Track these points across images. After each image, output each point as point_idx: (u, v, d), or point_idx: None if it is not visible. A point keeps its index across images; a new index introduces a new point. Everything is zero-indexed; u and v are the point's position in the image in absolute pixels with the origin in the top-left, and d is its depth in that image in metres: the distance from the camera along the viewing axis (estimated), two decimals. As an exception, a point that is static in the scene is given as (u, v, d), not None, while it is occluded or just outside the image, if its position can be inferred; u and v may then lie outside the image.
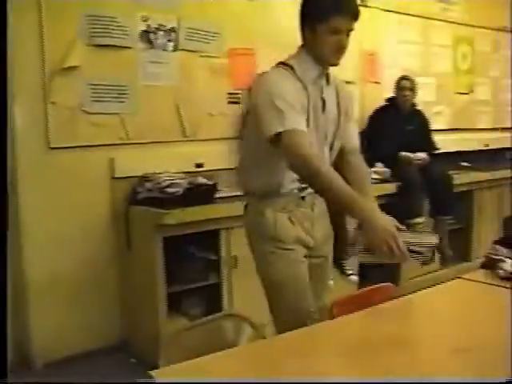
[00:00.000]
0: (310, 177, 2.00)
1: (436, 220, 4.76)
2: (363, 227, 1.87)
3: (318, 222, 2.28)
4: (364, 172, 2.36)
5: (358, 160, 2.35)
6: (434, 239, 1.79)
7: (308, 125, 2.09)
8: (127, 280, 3.73)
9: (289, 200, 2.20)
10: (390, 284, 2.10)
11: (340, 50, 2.13)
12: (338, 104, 2.27)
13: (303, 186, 2.17)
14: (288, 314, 2.21)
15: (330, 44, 2.10)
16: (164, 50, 3.90)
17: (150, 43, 3.83)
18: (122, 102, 3.74)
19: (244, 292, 3.59)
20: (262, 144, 2.09)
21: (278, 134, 2.00)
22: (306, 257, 2.26)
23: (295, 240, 2.22)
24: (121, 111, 3.74)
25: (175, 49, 3.95)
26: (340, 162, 2.31)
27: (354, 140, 2.38)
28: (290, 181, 2.17)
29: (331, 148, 2.26)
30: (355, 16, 2.10)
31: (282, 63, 2.20)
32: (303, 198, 2.22)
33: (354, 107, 2.43)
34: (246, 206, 2.36)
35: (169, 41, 3.91)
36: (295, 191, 2.20)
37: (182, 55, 3.99)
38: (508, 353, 1.53)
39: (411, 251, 1.75)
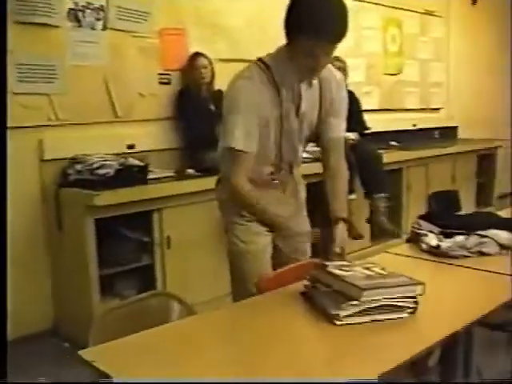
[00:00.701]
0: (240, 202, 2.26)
1: (372, 199, 4.87)
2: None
3: (287, 201, 2.40)
4: (340, 185, 2.37)
5: (336, 162, 2.37)
6: (418, 289, 1.70)
7: (273, 131, 2.17)
8: (59, 263, 3.68)
9: (259, 184, 2.27)
10: (316, 260, 2.15)
11: (313, 71, 2.07)
12: (321, 101, 2.24)
13: (274, 173, 2.31)
14: (243, 283, 2.29)
15: (304, 64, 2.03)
16: (93, 28, 3.82)
17: (78, 22, 3.74)
18: (50, 82, 3.65)
19: (177, 272, 3.61)
20: None
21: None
22: (270, 231, 2.37)
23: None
24: (49, 91, 3.66)
25: (104, 28, 3.88)
26: (322, 158, 2.39)
27: (334, 134, 2.33)
28: (262, 170, 2.27)
29: (307, 142, 2.36)
30: (336, 40, 1.96)
31: (262, 61, 2.14)
32: (275, 182, 2.34)
33: (343, 98, 2.32)
34: (218, 181, 2.45)
35: (97, 19, 3.84)
36: (265, 177, 2.30)
37: (111, 34, 3.93)
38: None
39: (392, 306, 1.66)
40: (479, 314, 1.71)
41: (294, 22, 1.98)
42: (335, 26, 1.93)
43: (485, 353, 3.01)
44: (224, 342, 1.63)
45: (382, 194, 4.91)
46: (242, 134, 2.08)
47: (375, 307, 1.64)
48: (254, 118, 2.09)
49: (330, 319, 1.64)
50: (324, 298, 1.73)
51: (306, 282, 1.86)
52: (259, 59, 2.16)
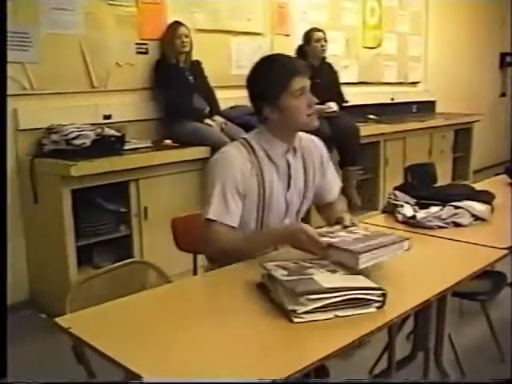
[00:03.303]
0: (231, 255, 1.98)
1: (344, 171, 4.92)
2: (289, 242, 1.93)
3: None
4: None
5: (335, 212, 2.24)
6: (405, 245, 1.70)
7: (254, 206, 2.08)
8: (35, 234, 3.65)
9: None
10: None
11: (310, 110, 2.06)
12: (305, 169, 2.21)
13: None
14: None
15: (300, 109, 2.04)
16: (68, -4, 3.75)
17: (52, -12, 3.66)
18: (24, 50, 3.58)
19: (155, 243, 3.61)
20: None
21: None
22: None
23: None
24: (23, 60, 3.58)
25: (79, -5, 3.81)
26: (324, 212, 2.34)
27: (331, 194, 2.33)
28: None
29: (297, 215, 2.24)
30: (308, 72, 2.07)
31: (245, 139, 2.13)
32: None
33: (330, 168, 2.33)
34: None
35: (73, -14, 3.76)
36: None
37: (87, 2, 3.85)
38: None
39: (358, 299, 1.52)
40: (452, 282, 1.75)
41: (268, 84, 2.03)
42: (300, 61, 2.15)
43: (455, 321, 3.09)
44: (199, 309, 1.65)
45: (355, 167, 4.97)
46: (219, 202, 2.00)
47: (338, 302, 1.50)
48: (234, 187, 2.01)
49: (287, 315, 1.48)
50: (281, 290, 1.56)
51: (263, 271, 1.71)
52: (242, 138, 2.16)
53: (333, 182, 2.34)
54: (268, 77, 2.04)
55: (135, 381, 1.24)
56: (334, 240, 1.77)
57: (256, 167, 2.06)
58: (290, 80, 2.00)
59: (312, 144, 2.28)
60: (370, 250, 1.67)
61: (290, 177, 2.14)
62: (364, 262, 1.65)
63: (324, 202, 2.33)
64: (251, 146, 2.09)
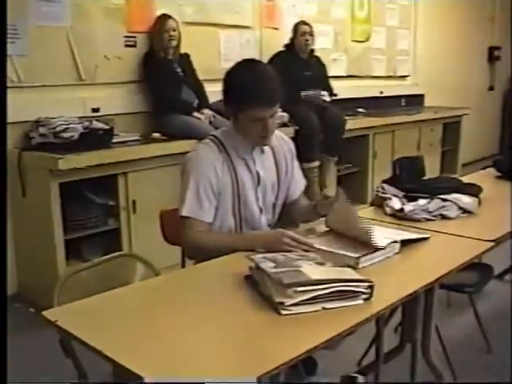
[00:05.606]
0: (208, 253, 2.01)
1: (323, 160, 4.99)
2: (263, 248, 1.90)
3: None
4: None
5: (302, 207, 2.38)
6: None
7: (230, 201, 2.15)
8: (23, 228, 3.64)
9: None
10: None
11: (264, 135, 2.10)
12: (277, 166, 2.29)
13: None
14: None
15: (253, 131, 2.09)
16: (55, -13, 3.72)
17: (40, -21, 3.63)
18: (11, 42, 3.54)
19: (143, 236, 3.61)
20: None
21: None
22: None
23: None
24: (11, 52, 3.54)
25: (68, -13, 3.78)
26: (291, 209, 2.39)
27: (297, 190, 2.39)
28: None
29: (274, 209, 2.31)
30: (274, 103, 2.06)
31: (215, 136, 2.20)
32: None
33: (296, 165, 2.40)
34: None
35: (61, -22, 3.73)
36: None
37: (75, -6, 3.83)
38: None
39: (345, 291, 1.51)
40: (439, 274, 1.76)
41: (234, 97, 2.09)
42: (272, 90, 2.06)
43: (443, 313, 3.10)
44: (188, 302, 1.65)
45: (334, 157, 5.09)
46: (193, 199, 2.08)
47: (326, 294, 1.50)
48: (207, 184, 2.09)
49: (275, 308, 1.49)
50: (269, 283, 1.56)
51: (250, 264, 1.72)
52: (212, 135, 2.22)
53: (299, 178, 2.41)
54: (239, 88, 2.07)
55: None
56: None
57: (228, 163, 2.14)
58: (251, 106, 2.03)
59: (282, 141, 2.35)
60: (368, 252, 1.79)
61: (258, 173, 2.21)
62: (363, 262, 1.78)
63: (290, 199, 2.37)
64: (221, 143, 2.16)
